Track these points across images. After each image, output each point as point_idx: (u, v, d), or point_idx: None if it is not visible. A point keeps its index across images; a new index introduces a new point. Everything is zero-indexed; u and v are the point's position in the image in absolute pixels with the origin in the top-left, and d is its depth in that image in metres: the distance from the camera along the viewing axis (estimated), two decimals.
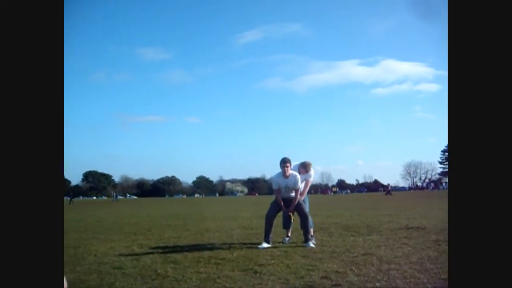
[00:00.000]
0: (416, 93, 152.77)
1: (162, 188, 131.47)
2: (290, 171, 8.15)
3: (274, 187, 8.37)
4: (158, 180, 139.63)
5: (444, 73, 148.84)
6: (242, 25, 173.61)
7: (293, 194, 8.20)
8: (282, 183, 8.18)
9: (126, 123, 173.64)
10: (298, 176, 8.24)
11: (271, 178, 8.87)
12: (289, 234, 8.54)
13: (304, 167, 8.63)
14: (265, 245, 7.67)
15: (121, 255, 7.08)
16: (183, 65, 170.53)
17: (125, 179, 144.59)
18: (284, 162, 8.10)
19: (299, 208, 8.14)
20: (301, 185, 8.27)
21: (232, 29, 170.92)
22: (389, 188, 69.20)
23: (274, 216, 8.22)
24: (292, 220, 8.32)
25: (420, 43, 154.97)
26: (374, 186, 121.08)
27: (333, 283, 4.57)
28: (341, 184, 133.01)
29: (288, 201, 8.22)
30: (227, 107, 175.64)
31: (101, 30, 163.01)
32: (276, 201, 8.29)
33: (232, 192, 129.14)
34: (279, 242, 8.12)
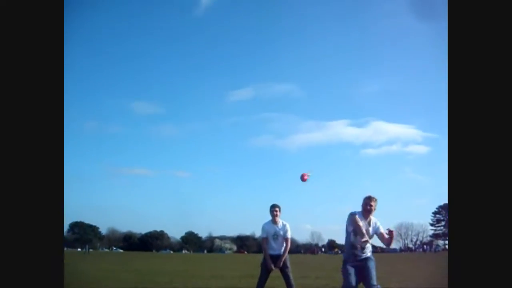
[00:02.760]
0: (406, 154, 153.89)
1: (150, 242, 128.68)
2: (279, 219, 7.84)
3: (262, 235, 7.91)
4: (146, 234, 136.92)
5: (432, 135, 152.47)
6: (235, 83, 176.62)
7: (281, 249, 7.76)
8: (271, 230, 7.78)
9: (115, 175, 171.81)
10: (288, 225, 7.84)
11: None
12: None
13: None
14: None
15: None
16: (175, 120, 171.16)
17: (112, 231, 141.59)
18: (273, 207, 7.81)
19: (284, 270, 7.71)
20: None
21: (225, 86, 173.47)
22: (316, 250, 69.09)
23: (264, 282, 7.73)
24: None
25: (409, 106, 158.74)
26: None
27: None
28: (331, 244, 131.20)
29: (276, 258, 7.69)
30: (219, 163, 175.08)
31: (97, 82, 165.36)
32: (264, 258, 7.77)
33: (220, 249, 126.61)
34: None
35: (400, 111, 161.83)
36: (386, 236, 6.50)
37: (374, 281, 6.33)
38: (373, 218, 6.80)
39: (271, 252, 7.76)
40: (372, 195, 6.56)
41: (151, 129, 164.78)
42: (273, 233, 7.78)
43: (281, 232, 7.78)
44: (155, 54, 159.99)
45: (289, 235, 7.81)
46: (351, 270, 6.39)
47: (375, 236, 6.50)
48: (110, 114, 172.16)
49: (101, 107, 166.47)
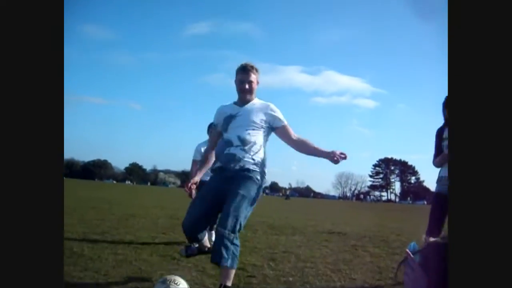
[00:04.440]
0: (354, 107, 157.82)
1: (93, 171, 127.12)
2: None
3: (194, 157, 6.61)
4: (89, 163, 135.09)
5: (381, 91, 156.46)
6: (193, 15, 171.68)
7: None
8: None
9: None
10: None
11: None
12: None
13: None
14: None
15: None
16: (128, 48, 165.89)
17: None
18: (212, 127, 5.73)
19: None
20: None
21: (182, 18, 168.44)
22: (287, 192, 71.77)
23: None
24: None
25: (362, 59, 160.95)
26: (306, 192, 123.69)
27: (248, 274, 4.65)
28: (274, 187, 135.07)
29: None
30: (170, 97, 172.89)
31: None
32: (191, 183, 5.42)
33: (164, 183, 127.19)
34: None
35: (353, 63, 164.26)
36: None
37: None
38: (258, 102, 3.94)
39: (204, 177, 5.93)
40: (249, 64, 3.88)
41: (103, 56, 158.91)
42: None
43: None
44: None
45: None
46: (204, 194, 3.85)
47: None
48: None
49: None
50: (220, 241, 3.38)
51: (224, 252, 3.37)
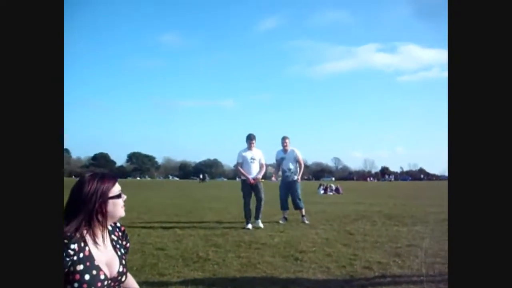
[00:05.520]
0: (446, 80, 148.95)
1: (204, 170, 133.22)
2: (254, 147, 9.03)
3: (238, 160, 9.02)
4: (200, 163, 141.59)
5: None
6: (261, 12, 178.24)
7: (255, 172, 8.90)
8: (247, 155, 8.93)
9: (165, 107, 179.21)
10: (261, 152, 9.11)
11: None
12: (286, 216, 9.53)
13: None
14: (249, 226, 8.41)
15: (163, 236, 7.20)
16: (208, 51, 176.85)
17: (168, 161, 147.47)
18: (250, 139, 8.99)
19: (257, 188, 8.78)
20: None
21: (252, 16, 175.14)
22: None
23: (249, 203, 8.79)
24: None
25: (443, 29, 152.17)
26: (419, 175, 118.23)
27: (376, 274, 4.47)
28: (385, 171, 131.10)
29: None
30: (258, 91, 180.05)
31: (128, 18, 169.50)
32: (242, 179, 8.97)
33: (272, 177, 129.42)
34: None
35: (433, 33, 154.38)
36: None
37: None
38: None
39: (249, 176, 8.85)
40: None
41: (185, 62, 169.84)
42: (249, 158, 8.92)
43: (256, 158, 8.95)
44: None
45: (263, 161, 9.07)
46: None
47: None
48: (146, 48, 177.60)
49: (135, 41, 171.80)
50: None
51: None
